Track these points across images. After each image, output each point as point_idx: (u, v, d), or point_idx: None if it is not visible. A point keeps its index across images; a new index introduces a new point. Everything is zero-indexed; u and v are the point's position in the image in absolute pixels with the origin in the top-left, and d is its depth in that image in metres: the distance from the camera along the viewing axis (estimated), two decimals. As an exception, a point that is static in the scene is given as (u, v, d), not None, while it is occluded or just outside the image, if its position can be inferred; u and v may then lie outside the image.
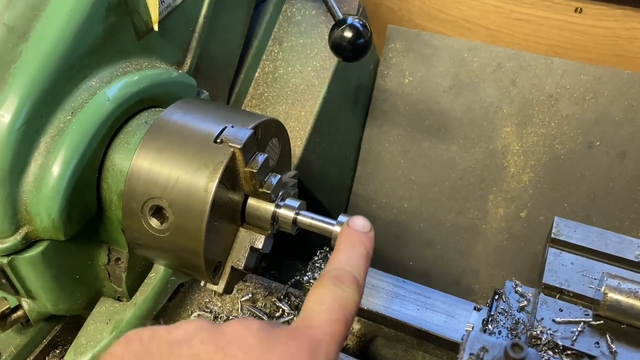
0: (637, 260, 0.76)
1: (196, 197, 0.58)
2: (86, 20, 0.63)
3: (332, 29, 0.82)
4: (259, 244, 0.65)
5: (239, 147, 0.59)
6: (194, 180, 0.58)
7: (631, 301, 0.66)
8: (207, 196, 0.58)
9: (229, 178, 0.60)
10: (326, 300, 0.47)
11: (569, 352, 0.66)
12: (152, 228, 0.60)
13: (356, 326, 0.88)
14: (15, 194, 0.60)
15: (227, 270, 0.65)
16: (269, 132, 0.67)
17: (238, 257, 0.65)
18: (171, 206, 0.59)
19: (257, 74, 1.06)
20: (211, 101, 0.80)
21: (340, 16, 0.83)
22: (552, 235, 0.79)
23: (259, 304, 0.89)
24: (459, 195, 1.22)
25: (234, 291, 0.91)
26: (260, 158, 0.62)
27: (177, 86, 0.75)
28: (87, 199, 0.64)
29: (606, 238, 0.79)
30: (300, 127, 1.00)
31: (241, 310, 0.89)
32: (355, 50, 0.81)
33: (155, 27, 0.72)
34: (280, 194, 0.65)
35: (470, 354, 0.48)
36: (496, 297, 0.78)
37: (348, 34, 0.80)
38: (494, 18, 1.27)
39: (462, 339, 0.73)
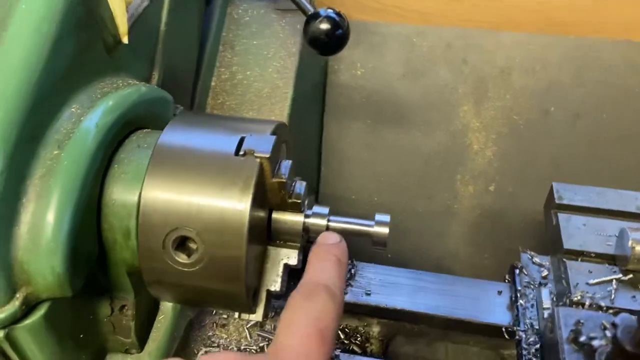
0: (639, 212, 0.78)
1: (230, 220, 0.51)
2: (57, 40, 0.53)
3: (307, 23, 0.77)
4: (293, 260, 0.59)
5: (267, 156, 0.53)
6: (224, 200, 0.51)
7: (658, 250, 0.67)
8: (243, 216, 0.51)
9: (259, 192, 0.53)
10: (295, 319, 0.46)
11: (610, 311, 0.67)
12: (179, 264, 0.53)
13: (376, 329, 0.84)
14: (7, 252, 0.49)
15: (263, 295, 0.59)
16: (281, 138, 0.61)
17: (273, 279, 0.59)
18: (200, 235, 0.52)
19: (213, 83, 0.98)
20: (207, 113, 0.73)
21: (311, 9, 0.79)
22: (557, 201, 0.80)
23: (267, 327, 0.83)
24: (428, 180, 1.21)
25: (237, 319, 0.84)
26: (285, 165, 0.56)
27: (158, 103, 0.67)
28: (89, 244, 0.55)
29: (606, 195, 0.81)
30: (273, 133, 0.94)
31: (250, 337, 0.82)
32: (334, 42, 0.77)
33: (125, 40, 0.63)
34: (306, 202, 0.59)
35: (572, 331, 0.46)
36: (516, 271, 0.78)
37: (325, 26, 0.75)
38: (426, 2, 1.28)
39: (509, 322, 0.71)
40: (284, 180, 0.55)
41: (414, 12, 1.28)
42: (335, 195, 1.20)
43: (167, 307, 0.68)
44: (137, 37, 0.67)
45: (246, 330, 0.82)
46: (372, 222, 0.59)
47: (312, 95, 1.10)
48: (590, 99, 1.13)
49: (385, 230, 0.58)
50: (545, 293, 0.62)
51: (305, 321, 0.45)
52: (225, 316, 0.84)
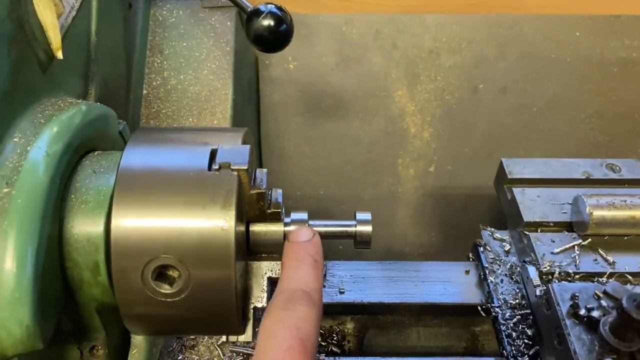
0: (584, 177, 0.82)
1: (214, 241, 0.48)
2: (-12, 60, 0.47)
3: (249, 21, 0.73)
4: (275, 272, 0.57)
5: (245, 168, 0.50)
6: (205, 220, 0.48)
7: (612, 212, 0.71)
8: (229, 235, 0.48)
9: (239, 207, 0.50)
10: (275, 329, 0.45)
11: (577, 277, 0.70)
12: (162, 295, 0.48)
13: (350, 325, 0.82)
14: (-37, 311, 0.43)
15: (250, 313, 0.56)
16: (250, 145, 0.58)
17: (258, 295, 0.56)
18: (182, 261, 0.48)
19: (145, 91, 0.92)
20: (165, 128, 0.67)
21: (250, 6, 0.75)
22: (509, 176, 0.82)
23: (239, 341, 0.79)
24: (371, 168, 1.22)
25: (206, 337, 0.80)
26: (260, 174, 0.54)
27: (103, 121, 0.61)
28: (55, 287, 0.50)
29: (551, 165, 0.84)
30: (217, 137, 0.90)
31: (223, 354, 0.78)
32: (279, 38, 0.74)
33: (60, 55, 0.57)
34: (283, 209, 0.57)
35: (571, 306, 0.47)
36: (480, 249, 0.79)
37: (269, 22, 0.72)
38: (346, -12, 1.27)
39: (482, 300, 0.73)
40: (263, 191, 0.52)
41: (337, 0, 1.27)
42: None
43: (138, 340, 0.63)
44: (69, 50, 0.61)
45: (217, 349, 0.78)
46: (353, 222, 0.58)
47: (248, 94, 1.07)
48: (514, 72, 1.18)
49: (368, 228, 0.57)
50: (531, 270, 0.63)
51: (287, 332, 0.44)
52: (192, 337, 0.79)
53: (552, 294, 0.52)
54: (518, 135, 1.21)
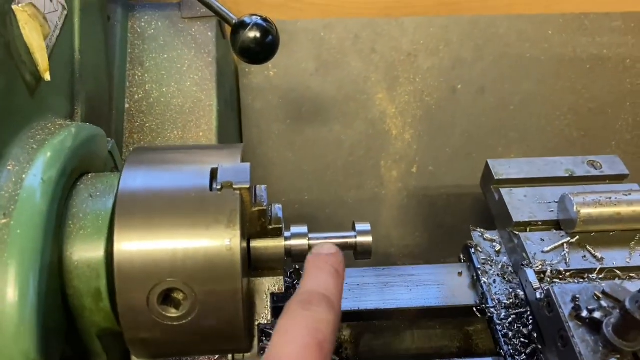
0: (568, 175, 0.84)
1: (220, 261, 0.47)
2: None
3: (234, 33, 0.73)
4: (278, 287, 0.56)
5: (247, 186, 0.49)
6: (210, 242, 0.47)
7: (599, 210, 0.73)
8: (235, 255, 0.47)
9: (242, 226, 0.50)
10: (292, 328, 0.44)
11: (568, 274, 0.71)
12: (168, 319, 0.48)
13: (347, 332, 0.83)
14: (-34, 348, 0.42)
15: (255, 330, 0.55)
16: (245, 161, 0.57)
17: (262, 312, 0.56)
18: (188, 283, 0.47)
19: (127, 105, 0.90)
20: (161, 147, 0.66)
21: (235, 18, 0.75)
22: (496, 177, 0.83)
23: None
24: (354, 171, 1.22)
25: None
26: (261, 191, 0.53)
27: (95, 142, 0.60)
28: (57, 316, 0.49)
29: (535, 165, 0.86)
30: (203, 149, 0.89)
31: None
32: (266, 50, 0.73)
33: (47, 76, 0.56)
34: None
35: (573, 308, 0.49)
36: (472, 250, 0.81)
37: (255, 34, 0.72)
38: (320, -7, 1.27)
39: (476, 301, 0.74)
40: (265, 208, 0.52)
41: (313, 5, 1.27)
42: (265, 200, 1.17)
43: (137, 361, 0.62)
44: (55, 70, 0.59)
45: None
46: (353, 233, 0.58)
47: (230, 102, 1.06)
48: (491, 72, 1.20)
49: (368, 239, 0.57)
50: (530, 273, 0.64)
51: (304, 331, 0.43)
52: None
53: (554, 297, 0.53)
54: (496, 133, 1.23)
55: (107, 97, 0.83)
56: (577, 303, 0.51)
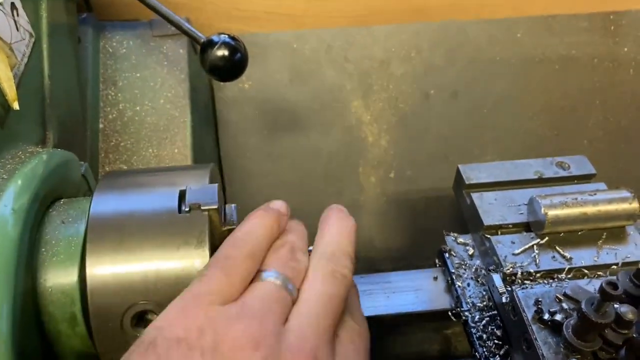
0: (537, 177, 0.86)
1: (190, 281, 0.48)
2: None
3: (203, 52, 0.74)
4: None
5: (216, 207, 0.51)
6: (180, 262, 0.49)
7: (565, 211, 0.75)
8: (205, 275, 0.48)
9: (212, 245, 0.51)
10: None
11: (538, 275, 0.73)
12: (142, 340, 0.49)
13: (327, 340, 0.84)
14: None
15: (231, 346, 0.56)
16: (217, 181, 0.58)
17: (237, 327, 0.57)
18: (160, 305, 0.48)
19: (102, 125, 0.91)
20: (132, 170, 0.67)
21: (203, 37, 0.76)
22: (467, 182, 0.85)
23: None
24: (333, 178, 1.24)
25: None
26: (230, 210, 0.55)
27: (66, 167, 0.61)
28: (32, 344, 0.49)
29: (504, 168, 0.88)
30: (179, 166, 0.90)
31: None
32: (235, 67, 0.75)
33: (16, 106, 0.57)
34: (255, 241, 0.58)
35: (535, 311, 0.50)
36: (446, 255, 0.82)
37: (223, 52, 0.73)
38: (293, 3, 1.28)
39: (451, 305, 0.76)
40: (234, 227, 0.53)
41: (284, 16, 1.28)
42: (245, 212, 1.18)
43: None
44: (24, 98, 0.60)
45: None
46: (324, 247, 0.59)
47: (205, 117, 1.07)
48: (463, 77, 1.22)
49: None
50: (496, 278, 0.66)
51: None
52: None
53: (517, 301, 0.55)
54: (471, 136, 1.25)
55: (81, 118, 0.84)
56: (539, 306, 0.53)
